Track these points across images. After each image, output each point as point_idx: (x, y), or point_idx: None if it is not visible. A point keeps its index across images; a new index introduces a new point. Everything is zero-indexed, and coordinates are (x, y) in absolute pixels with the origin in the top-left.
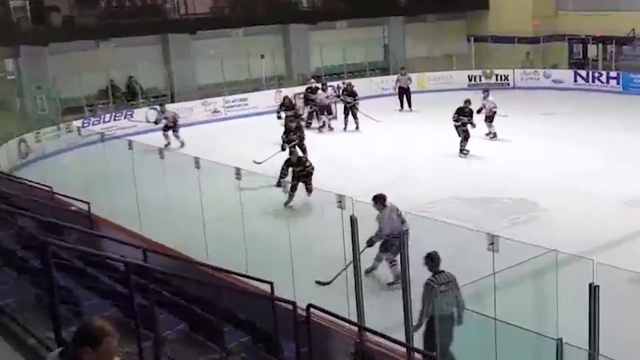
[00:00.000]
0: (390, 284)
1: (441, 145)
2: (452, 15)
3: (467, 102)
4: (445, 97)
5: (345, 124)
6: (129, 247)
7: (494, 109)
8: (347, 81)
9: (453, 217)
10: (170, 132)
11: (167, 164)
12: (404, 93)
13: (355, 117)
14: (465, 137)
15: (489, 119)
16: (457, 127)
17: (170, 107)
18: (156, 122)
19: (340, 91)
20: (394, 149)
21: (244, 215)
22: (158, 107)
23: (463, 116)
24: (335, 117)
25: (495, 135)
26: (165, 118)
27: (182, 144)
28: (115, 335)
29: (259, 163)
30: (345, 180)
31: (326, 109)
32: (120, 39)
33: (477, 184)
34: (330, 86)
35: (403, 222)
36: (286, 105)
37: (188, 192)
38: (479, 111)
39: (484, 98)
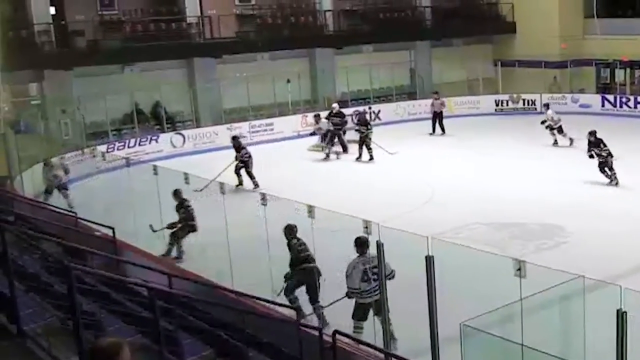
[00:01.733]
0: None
1: (468, 169)
2: (479, 39)
3: (591, 133)
4: (472, 122)
5: (360, 154)
6: (154, 272)
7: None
8: (360, 109)
9: (479, 242)
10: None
11: (191, 189)
12: (436, 117)
13: (368, 148)
14: (604, 167)
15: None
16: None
17: (206, 131)
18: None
19: (354, 120)
20: (421, 173)
21: (269, 241)
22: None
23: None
24: (345, 150)
25: (572, 141)
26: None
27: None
28: (126, 343)
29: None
30: (371, 204)
31: (331, 136)
32: (145, 63)
33: (502, 208)
34: (336, 115)
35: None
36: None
37: (213, 218)
38: (543, 122)
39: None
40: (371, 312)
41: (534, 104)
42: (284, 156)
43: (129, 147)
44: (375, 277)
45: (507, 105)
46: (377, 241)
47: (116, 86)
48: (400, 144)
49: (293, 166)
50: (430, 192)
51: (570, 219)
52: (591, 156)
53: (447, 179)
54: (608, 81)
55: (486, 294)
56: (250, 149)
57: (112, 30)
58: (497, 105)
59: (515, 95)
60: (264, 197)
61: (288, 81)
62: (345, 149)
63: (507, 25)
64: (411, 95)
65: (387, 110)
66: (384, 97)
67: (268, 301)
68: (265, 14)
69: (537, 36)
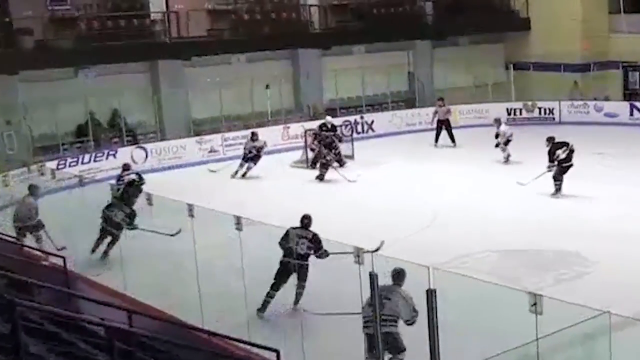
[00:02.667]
0: None
1: (475, 188)
2: (488, 38)
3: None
4: (480, 134)
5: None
6: (111, 309)
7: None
8: (351, 118)
9: (488, 272)
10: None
11: (157, 211)
12: (441, 126)
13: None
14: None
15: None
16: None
17: (173, 144)
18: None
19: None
20: (421, 191)
21: (245, 270)
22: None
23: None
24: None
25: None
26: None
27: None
28: None
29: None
30: (364, 228)
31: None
32: (102, 66)
33: (513, 233)
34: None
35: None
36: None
37: (180, 244)
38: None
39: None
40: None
41: (552, 113)
42: (264, 173)
43: (82, 163)
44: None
45: (521, 114)
46: (370, 272)
47: (68, 93)
48: (397, 159)
49: (274, 184)
50: (432, 214)
51: (591, 244)
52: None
53: (451, 199)
54: (637, 86)
55: (497, 332)
56: (223, 164)
57: (64, 29)
58: (509, 114)
59: (529, 103)
60: (238, 221)
61: (267, 87)
62: (341, 163)
63: (521, 22)
64: (409, 103)
65: (381, 120)
66: (378, 105)
67: (245, 342)
68: (242, 9)
69: (555, 34)
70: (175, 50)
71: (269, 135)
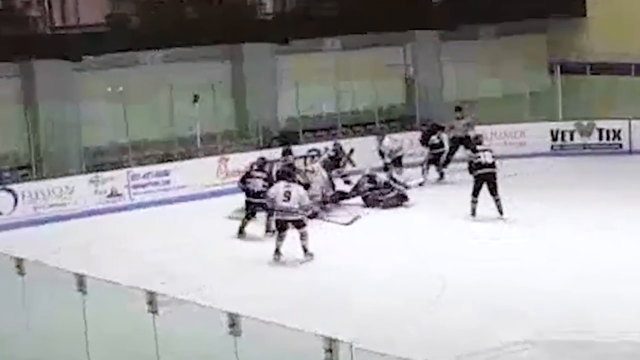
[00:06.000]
0: None
1: (500, 248)
2: (523, 28)
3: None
4: (512, 167)
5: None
6: None
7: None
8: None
9: None
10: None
11: (32, 283)
12: (457, 146)
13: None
14: None
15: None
16: None
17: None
18: None
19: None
20: (425, 253)
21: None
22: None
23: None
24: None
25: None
26: None
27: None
28: None
29: None
30: (346, 307)
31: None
32: None
33: (560, 313)
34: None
35: None
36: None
37: (67, 329)
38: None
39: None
40: None
41: (619, 138)
42: (191, 228)
43: None
44: None
45: (572, 139)
46: None
47: None
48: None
49: (209, 243)
50: (440, 285)
51: None
52: None
53: (466, 263)
54: None
55: None
56: (128, 214)
57: None
58: (554, 139)
59: (585, 123)
60: (151, 300)
61: (195, 99)
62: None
63: (572, 5)
64: (407, 122)
65: (365, 148)
66: (361, 125)
67: None
68: None
69: (621, 24)
70: (58, 45)
71: (197, 171)
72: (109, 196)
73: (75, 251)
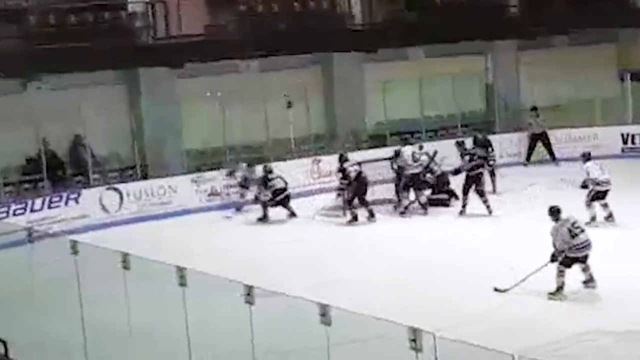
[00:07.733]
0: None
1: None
2: (595, 37)
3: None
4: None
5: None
6: None
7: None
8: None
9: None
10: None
11: (135, 277)
12: (536, 141)
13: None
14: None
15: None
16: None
17: (158, 185)
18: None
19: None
20: (498, 245)
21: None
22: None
23: None
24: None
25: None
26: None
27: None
28: None
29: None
30: (418, 298)
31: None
32: (60, 75)
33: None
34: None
35: (574, 236)
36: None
37: (168, 320)
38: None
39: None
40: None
41: None
42: (285, 224)
43: (32, 210)
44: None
45: None
46: None
47: (13, 113)
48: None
49: (300, 237)
50: (512, 278)
51: None
52: None
53: (540, 256)
54: None
55: None
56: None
57: (9, 25)
58: (624, 142)
59: None
60: (249, 292)
61: (289, 105)
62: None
63: None
64: (487, 127)
65: (448, 151)
66: (444, 129)
67: None
68: None
69: None
70: (162, 54)
71: (291, 172)
72: (209, 195)
73: (176, 246)
